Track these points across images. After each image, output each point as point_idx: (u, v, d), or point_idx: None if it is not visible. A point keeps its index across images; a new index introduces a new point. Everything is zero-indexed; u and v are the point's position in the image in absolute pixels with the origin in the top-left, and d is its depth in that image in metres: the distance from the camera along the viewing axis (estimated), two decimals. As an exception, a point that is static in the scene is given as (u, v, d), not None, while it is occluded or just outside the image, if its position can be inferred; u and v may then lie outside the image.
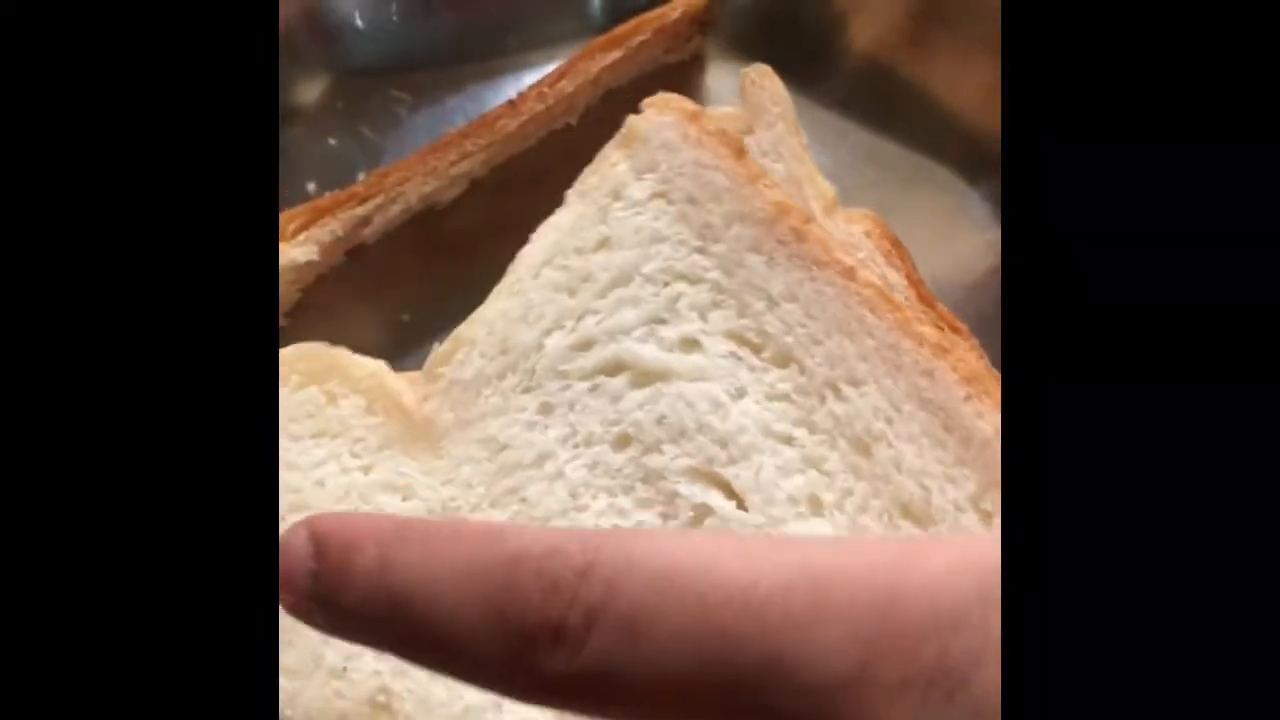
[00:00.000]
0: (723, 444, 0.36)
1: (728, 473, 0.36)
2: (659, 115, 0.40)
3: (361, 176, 0.49)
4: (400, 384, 0.39)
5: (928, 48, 0.48)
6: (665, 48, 0.47)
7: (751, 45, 0.49)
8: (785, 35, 0.49)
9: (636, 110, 0.41)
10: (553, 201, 0.44)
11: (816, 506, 0.35)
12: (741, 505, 0.36)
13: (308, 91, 0.50)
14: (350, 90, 0.50)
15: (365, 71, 0.50)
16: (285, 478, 0.37)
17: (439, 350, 0.40)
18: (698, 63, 0.49)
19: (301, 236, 0.43)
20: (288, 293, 0.45)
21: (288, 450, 0.37)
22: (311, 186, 0.48)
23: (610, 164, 0.40)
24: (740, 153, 0.39)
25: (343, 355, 0.39)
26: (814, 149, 0.45)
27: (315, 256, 0.43)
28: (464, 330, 0.39)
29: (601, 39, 0.45)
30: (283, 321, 0.46)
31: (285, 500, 0.36)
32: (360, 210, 0.44)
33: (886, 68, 0.49)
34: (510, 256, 0.47)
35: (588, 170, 0.41)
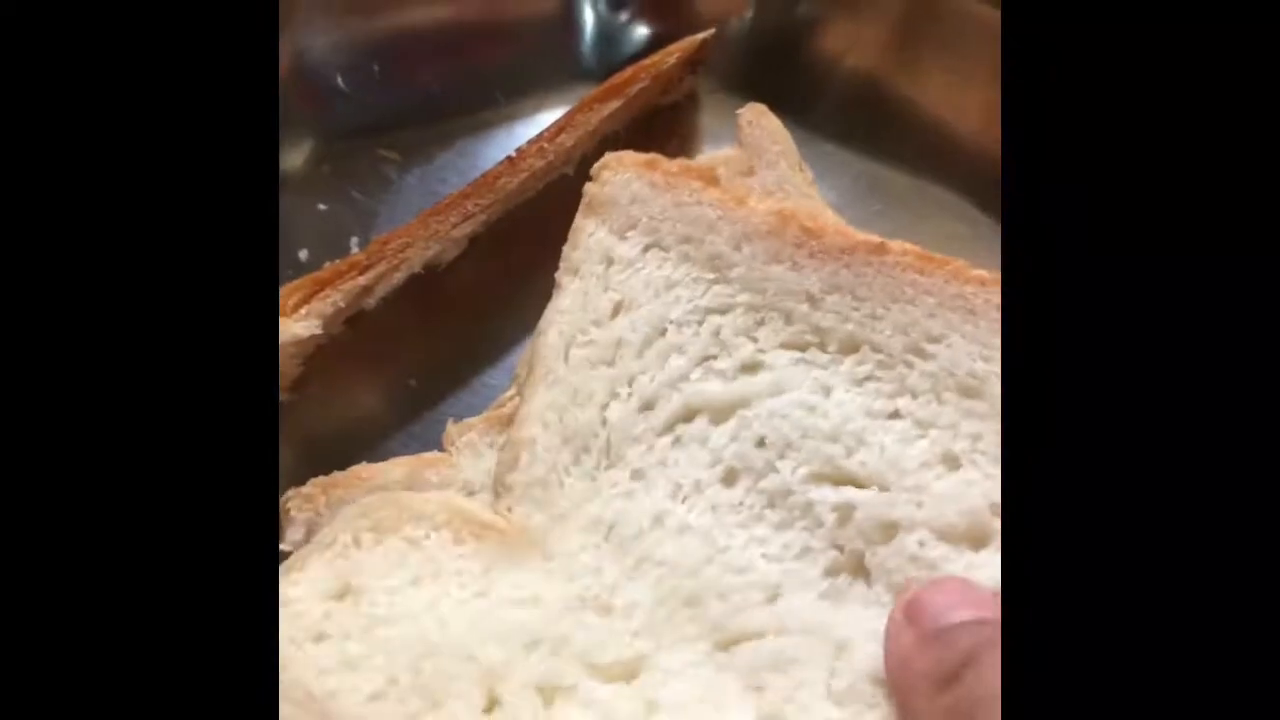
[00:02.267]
0: (833, 439, 0.36)
1: (850, 465, 0.35)
2: (616, 175, 0.40)
3: (355, 240, 0.47)
4: (474, 504, 0.37)
5: (923, 71, 0.47)
6: (660, 91, 0.46)
7: (743, 82, 0.48)
8: (777, 70, 0.49)
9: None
10: (553, 252, 0.44)
11: (952, 462, 0.35)
12: (882, 488, 0.35)
13: (294, 157, 0.49)
14: (337, 153, 0.49)
15: (351, 133, 0.49)
16: (405, 630, 0.35)
17: (500, 458, 0.38)
18: (691, 102, 0.49)
19: (303, 310, 0.42)
20: (289, 367, 0.44)
21: (395, 604, 0.35)
22: (304, 254, 0.47)
23: (587, 234, 0.40)
24: (713, 180, 0.39)
25: (406, 498, 0.38)
26: (817, 183, 0.44)
27: (318, 330, 0.42)
28: (516, 434, 0.38)
29: (599, 89, 0.44)
30: (286, 396, 0.45)
31: (414, 650, 0.34)
32: (362, 280, 0.42)
33: (883, 95, 0.48)
34: (514, 310, 0.46)
35: (566, 248, 0.40)
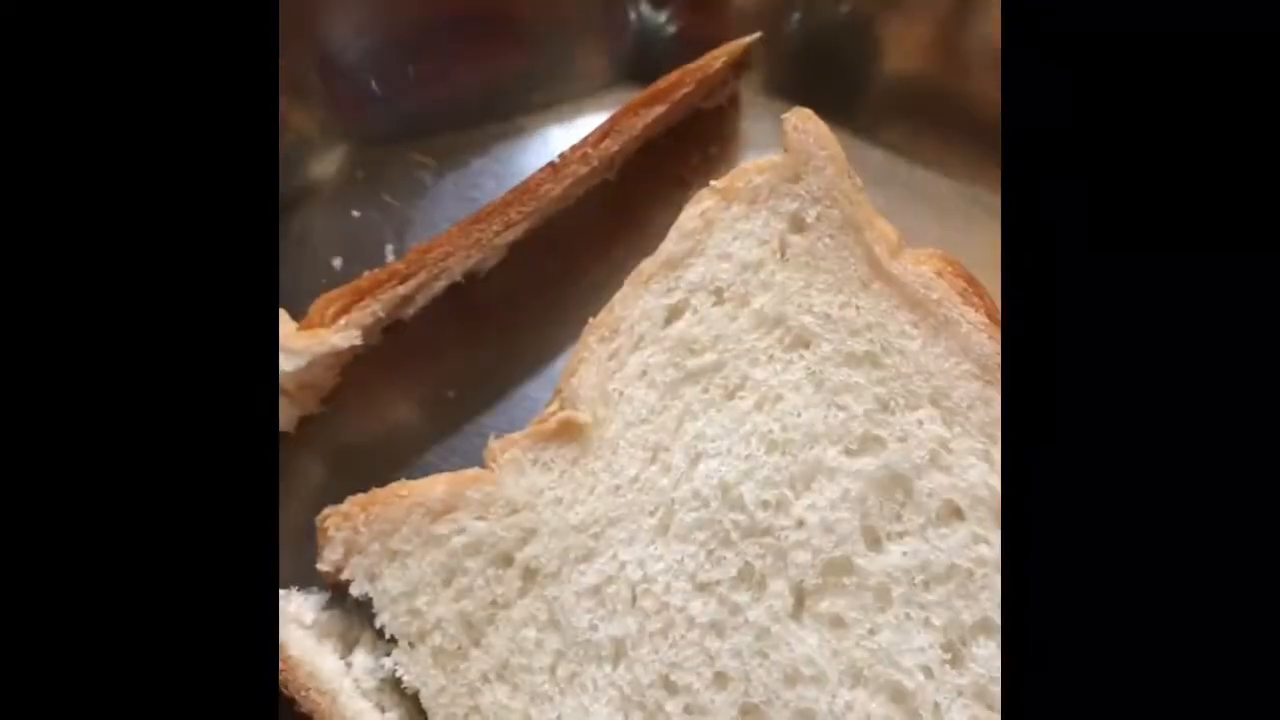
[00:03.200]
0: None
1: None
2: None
3: (390, 248, 0.46)
4: None
5: (972, 74, 0.46)
6: (703, 95, 0.45)
7: (787, 87, 0.47)
8: (821, 74, 0.47)
9: (673, 159, 0.39)
10: (593, 258, 0.42)
11: None
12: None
13: (327, 163, 0.48)
14: (371, 159, 0.48)
15: (385, 138, 0.48)
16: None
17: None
18: (734, 106, 0.47)
19: (342, 321, 0.41)
20: (326, 377, 0.43)
21: None
22: (338, 262, 0.46)
23: None
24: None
25: None
26: (864, 190, 0.43)
27: (358, 341, 0.41)
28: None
29: (644, 94, 0.43)
30: (321, 407, 0.44)
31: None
32: (402, 289, 0.41)
33: (928, 98, 0.47)
34: (555, 319, 0.45)
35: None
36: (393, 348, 0.44)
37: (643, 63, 0.48)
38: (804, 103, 0.44)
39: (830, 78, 0.47)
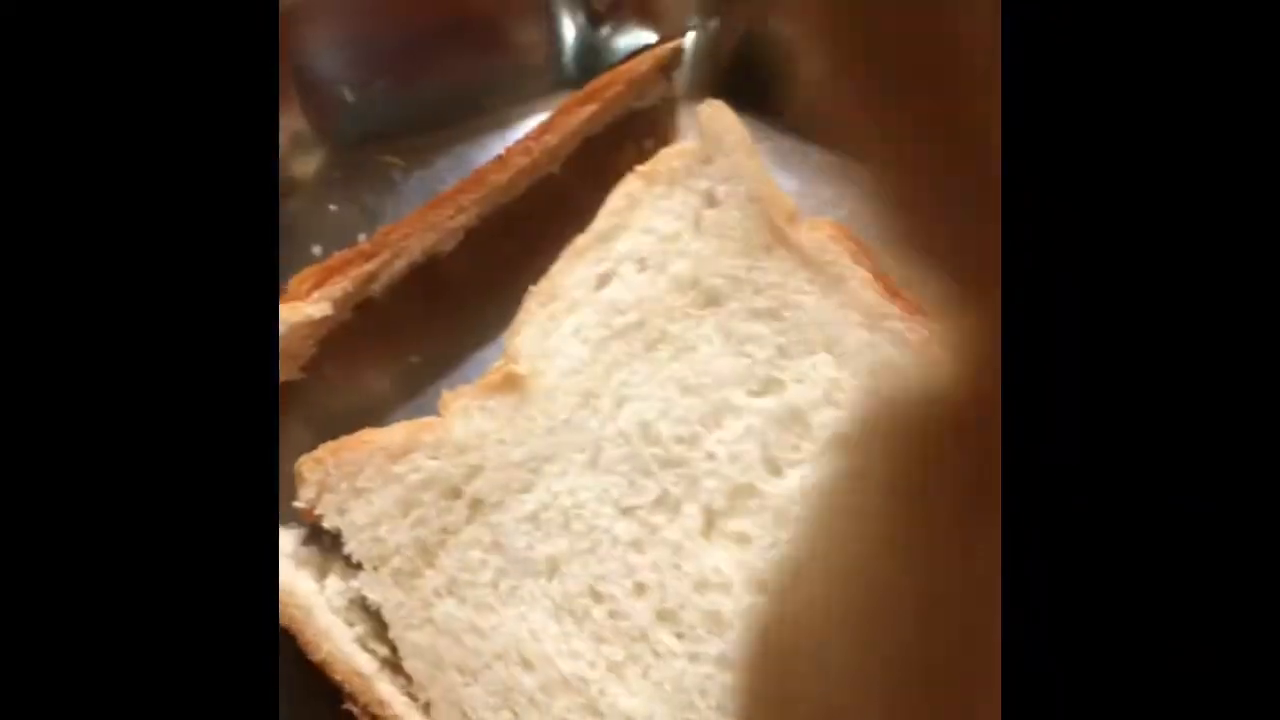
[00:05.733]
0: None
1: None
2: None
3: (362, 238, 0.52)
4: None
5: (879, 74, 0.52)
6: (636, 95, 0.51)
7: (714, 85, 0.53)
8: (743, 73, 0.53)
9: (612, 152, 0.45)
10: (541, 240, 0.48)
11: None
12: None
13: (307, 164, 0.54)
14: (346, 160, 0.54)
15: (357, 142, 0.54)
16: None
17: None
18: (667, 105, 0.53)
19: (315, 294, 0.47)
20: (303, 347, 0.49)
21: None
22: (317, 250, 0.52)
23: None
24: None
25: None
26: (778, 173, 0.49)
27: (329, 311, 0.47)
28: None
29: (579, 94, 0.49)
30: (300, 374, 0.50)
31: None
32: (368, 267, 0.47)
33: (842, 91, 0.52)
34: (506, 296, 0.51)
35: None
36: (364, 321, 0.50)
37: (587, 70, 0.54)
38: (730, 98, 0.50)
39: (752, 76, 0.53)
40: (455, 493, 0.44)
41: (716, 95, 0.50)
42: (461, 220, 0.49)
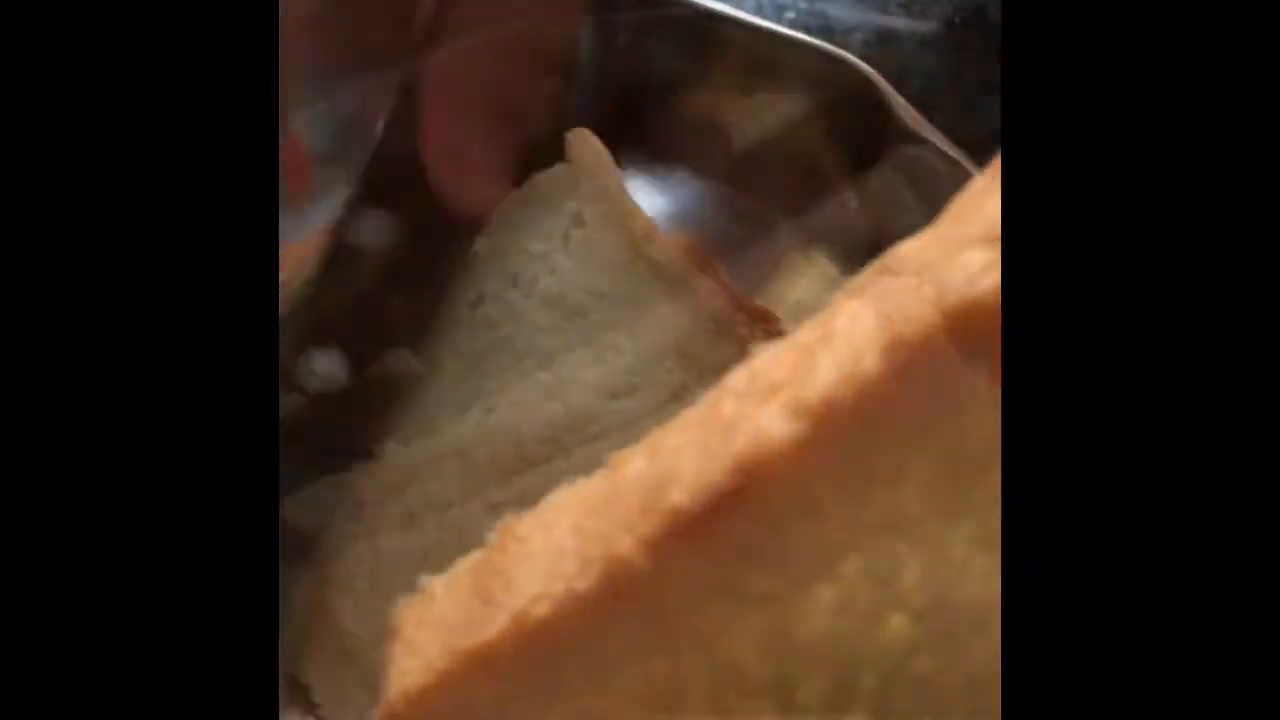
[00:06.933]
0: None
1: None
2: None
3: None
4: None
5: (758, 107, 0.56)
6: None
7: (594, 119, 0.57)
8: (626, 107, 0.57)
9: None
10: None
11: None
12: None
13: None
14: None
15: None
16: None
17: None
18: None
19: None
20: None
21: None
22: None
23: None
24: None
25: None
26: (654, 198, 0.53)
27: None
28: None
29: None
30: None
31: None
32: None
33: (719, 123, 0.56)
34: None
35: None
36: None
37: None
38: (607, 132, 0.54)
39: (634, 110, 0.57)
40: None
41: (593, 128, 0.54)
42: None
